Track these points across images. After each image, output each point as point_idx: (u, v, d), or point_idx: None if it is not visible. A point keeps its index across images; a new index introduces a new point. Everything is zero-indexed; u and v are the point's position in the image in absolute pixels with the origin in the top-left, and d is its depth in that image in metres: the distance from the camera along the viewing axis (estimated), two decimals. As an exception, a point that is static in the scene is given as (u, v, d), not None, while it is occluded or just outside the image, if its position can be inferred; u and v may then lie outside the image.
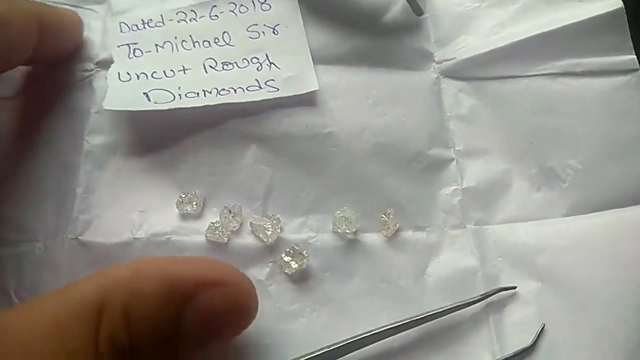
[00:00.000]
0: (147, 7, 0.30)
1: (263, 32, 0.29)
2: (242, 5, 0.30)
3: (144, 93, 0.27)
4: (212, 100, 0.27)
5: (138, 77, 0.28)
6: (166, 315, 0.16)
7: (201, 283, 0.17)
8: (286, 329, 0.24)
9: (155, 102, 0.27)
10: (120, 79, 0.27)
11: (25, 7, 0.24)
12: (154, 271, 0.17)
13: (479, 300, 0.24)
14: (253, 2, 0.30)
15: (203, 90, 0.27)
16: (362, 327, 0.23)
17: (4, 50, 0.23)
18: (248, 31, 0.29)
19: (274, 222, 0.25)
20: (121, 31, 0.29)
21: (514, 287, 0.24)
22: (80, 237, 0.25)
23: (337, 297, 0.25)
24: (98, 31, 0.29)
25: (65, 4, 0.29)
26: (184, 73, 0.28)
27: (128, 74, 0.28)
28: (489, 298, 0.24)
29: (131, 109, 0.27)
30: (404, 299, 0.25)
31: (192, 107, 0.26)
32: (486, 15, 0.30)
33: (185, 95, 0.27)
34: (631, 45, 0.28)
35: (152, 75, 0.28)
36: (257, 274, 0.25)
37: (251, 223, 0.26)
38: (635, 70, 0.28)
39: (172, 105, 0.26)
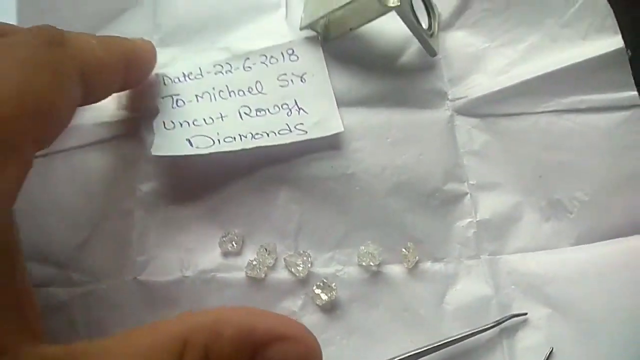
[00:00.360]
0: (187, 59, 0.33)
1: (292, 81, 0.32)
2: (272, 57, 0.33)
3: (187, 139, 0.30)
4: (248, 143, 0.30)
5: (181, 125, 0.31)
6: (240, 358, 0.19)
7: (275, 336, 0.19)
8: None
9: (197, 147, 0.30)
10: (165, 127, 0.31)
11: (116, 47, 0.28)
12: (234, 318, 0.20)
13: (493, 326, 0.27)
14: (282, 53, 0.33)
15: (239, 135, 0.30)
16: (387, 353, 0.26)
17: (99, 88, 0.27)
18: (278, 80, 0.32)
19: (305, 258, 0.28)
20: (164, 83, 0.32)
21: (525, 314, 0.27)
22: (138, 277, 0.28)
23: (364, 325, 0.28)
24: None
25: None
26: (222, 120, 0.31)
27: (172, 122, 0.31)
28: (502, 324, 0.27)
29: (176, 154, 0.30)
30: (425, 326, 0.27)
31: (230, 151, 0.29)
32: (495, 54, 0.32)
33: (224, 140, 0.30)
34: (632, 82, 0.29)
35: (193, 123, 0.31)
36: (291, 305, 0.28)
37: (285, 259, 0.29)
38: (637, 106, 0.29)
39: (212, 150, 0.30)
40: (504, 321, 0.27)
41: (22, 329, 0.20)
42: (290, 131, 0.30)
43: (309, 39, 0.32)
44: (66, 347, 0.19)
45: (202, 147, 0.30)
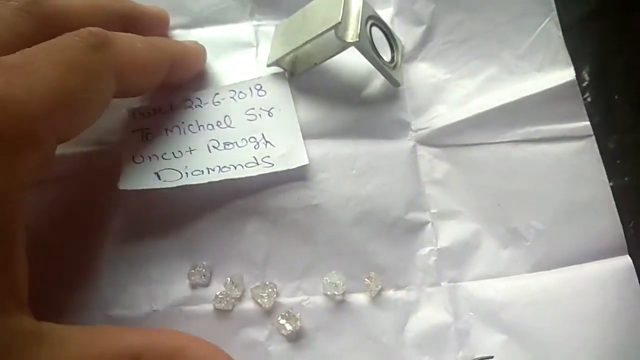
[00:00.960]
0: (157, 99, 0.34)
1: (260, 115, 0.33)
2: (240, 92, 0.34)
3: (155, 173, 0.31)
4: (215, 176, 0.31)
5: (150, 158, 0.32)
6: None
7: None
8: (285, 384, 0.28)
9: (164, 181, 0.31)
10: (134, 161, 0.31)
11: (162, 49, 0.30)
12: (195, 353, 0.23)
13: None
14: (250, 89, 0.34)
15: (207, 168, 0.31)
16: (350, 381, 0.27)
17: (135, 87, 0.29)
18: (246, 114, 0.33)
19: (270, 289, 0.29)
20: (135, 117, 0.33)
21: (491, 357, 0.27)
22: (107, 312, 0.29)
23: (329, 353, 0.28)
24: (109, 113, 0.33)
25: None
26: (191, 153, 0.32)
27: (141, 156, 0.32)
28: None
29: (143, 188, 0.30)
30: (387, 354, 0.28)
31: (197, 184, 0.30)
32: (455, 85, 0.34)
33: (192, 173, 0.31)
34: (585, 112, 0.31)
35: (162, 157, 0.32)
36: (259, 335, 0.29)
37: (251, 290, 0.30)
38: (590, 135, 0.31)
39: (180, 183, 0.30)
40: (469, 364, 0.27)
41: (8, 292, 0.22)
42: (258, 164, 0.31)
43: (276, 75, 0.34)
44: (37, 324, 0.22)
45: (170, 180, 0.30)
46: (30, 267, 0.30)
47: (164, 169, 0.31)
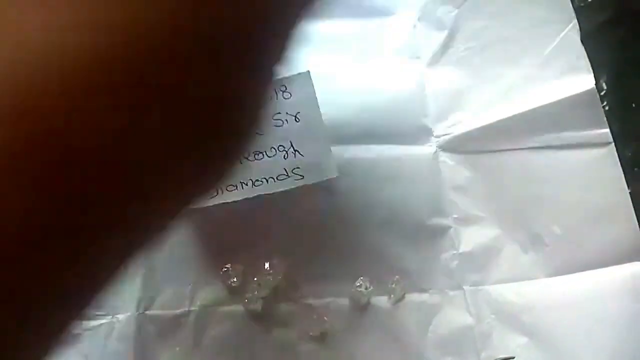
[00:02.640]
0: None
1: (286, 120, 0.34)
2: None
3: None
4: (249, 192, 0.32)
5: None
6: None
7: None
8: (313, 383, 0.29)
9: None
10: None
11: None
12: None
13: None
14: (275, 91, 0.35)
15: (241, 182, 0.32)
16: (375, 380, 0.28)
17: None
18: (274, 119, 0.34)
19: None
20: None
21: (513, 358, 0.28)
22: (146, 312, 0.31)
23: (355, 354, 0.30)
24: None
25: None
26: None
27: None
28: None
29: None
30: (411, 355, 0.30)
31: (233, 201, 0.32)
32: (477, 92, 0.34)
33: (227, 189, 0.32)
34: (605, 120, 0.31)
35: None
36: (288, 336, 0.30)
37: (279, 288, 0.31)
38: (609, 143, 0.31)
39: (217, 201, 0.31)
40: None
41: None
42: (288, 176, 0.32)
43: (300, 75, 0.34)
44: None
45: (208, 197, 0.32)
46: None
47: None
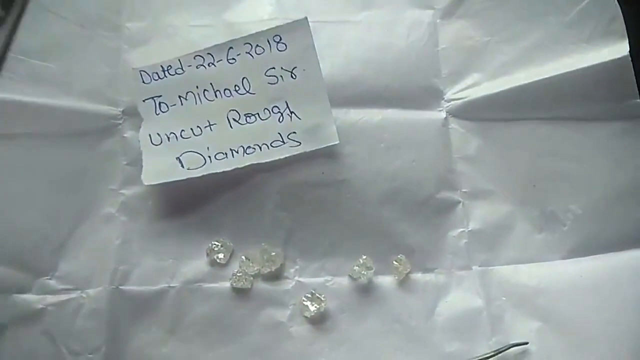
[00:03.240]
0: (162, 42, 0.31)
1: (281, 77, 0.30)
2: (257, 45, 0.30)
3: (176, 158, 0.28)
4: (240, 161, 0.28)
5: (168, 138, 0.29)
6: None
7: None
8: (308, 367, 0.27)
9: (188, 169, 0.28)
10: (152, 143, 0.29)
11: None
12: None
13: (492, 356, 0.26)
14: (268, 41, 0.30)
15: (231, 150, 0.29)
16: (376, 366, 0.26)
17: None
18: (266, 76, 0.30)
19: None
20: (143, 81, 0.30)
21: (526, 343, 0.26)
22: (120, 287, 0.27)
23: (353, 337, 0.27)
24: (114, 64, 0.31)
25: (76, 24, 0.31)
26: (211, 129, 0.29)
27: (159, 135, 0.29)
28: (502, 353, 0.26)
29: (168, 180, 0.28)
30: (415, 339, 0.27)
31: (222, 172, 0.28)
32: (495, 51, 0.31)
33: (215, 157, 0.28)
34: (636, 91, 0.28)
35: (181, 135, 0.29)
36: (280, 316, 0.28)
37: (271, 265, 0.28)
38: (639, 116, 0.29)
39: (205, 171, 0.28)
40: (503, 350, 0.26)
41: None
42: (284, 142, 0.29)
43: (297, 23, 0.29)
44: None
45: (194, 167, 0.28)
46: (32, 234, 0.28)
47: (186, 152, 0.29)
